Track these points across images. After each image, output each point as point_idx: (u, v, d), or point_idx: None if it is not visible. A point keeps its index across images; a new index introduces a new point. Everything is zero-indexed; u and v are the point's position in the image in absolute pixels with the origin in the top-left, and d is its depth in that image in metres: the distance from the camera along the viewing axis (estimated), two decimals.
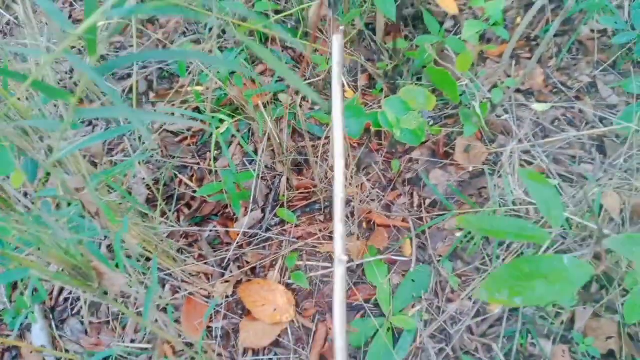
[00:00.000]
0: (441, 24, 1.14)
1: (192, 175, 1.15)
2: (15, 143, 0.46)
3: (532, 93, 1.14)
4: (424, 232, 1.00)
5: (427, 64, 1.07)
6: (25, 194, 1.04)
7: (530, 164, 1.03)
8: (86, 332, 0.97)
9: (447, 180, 1.06)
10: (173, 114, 1.04)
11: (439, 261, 0.96)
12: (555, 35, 1.22)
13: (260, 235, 1.03)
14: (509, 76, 1.14)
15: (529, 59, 1.20)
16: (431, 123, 1.12)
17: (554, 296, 0.40)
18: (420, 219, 1.02)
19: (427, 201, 1.04)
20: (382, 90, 1.15)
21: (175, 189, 1.12)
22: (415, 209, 1.04)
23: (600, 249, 0.48)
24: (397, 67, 1.16)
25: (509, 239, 0.53)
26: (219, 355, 0.89)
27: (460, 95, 1.05)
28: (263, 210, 1.06)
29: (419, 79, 1.16)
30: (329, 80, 0.77)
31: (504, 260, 0.93)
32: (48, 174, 0.91)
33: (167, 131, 1.22)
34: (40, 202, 0.42)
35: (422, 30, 1.23)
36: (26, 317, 0.99)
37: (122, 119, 1.18)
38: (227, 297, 0.97)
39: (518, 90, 1.14)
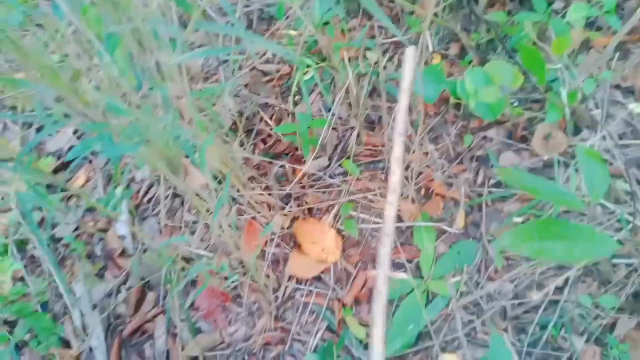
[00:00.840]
0: (550, 3, 1.09)
1: (272, 115, 1.23)
2: (131, 50, 0.54)
3: (632, 92, 1.07)
4: (480, 209, 1.01)
5: (523, 42, 1.03)
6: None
7: (609, 164, 0.99)
8: (160, 232, 1.11)
9: (518, 165, 1.04)
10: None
11: (489, 241, 0.97)
12: None
13: (323, 180, 1.09)
14: (609, 69, 1.08)
15: None
16: (515, 104, 1.10)
17: (571, 258, 0.42)
18: (481, 195, 1.02)
19: (492, 181, 1.04)
20: (471, 62, 1.14)
21: (255, 124, 1.21)
22: (478, 186, 1.04)
23: None
24: (492, 41, 1.13)
25: (545, 199, 0.54)
26: (267, 276, 0.99)
27: (552, 81, 1.02)
28: (330, 159, 1.12)
29: (512, 57, 1.12)
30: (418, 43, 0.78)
31: None
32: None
33: (258, 69, 1.30)
34: (148, 101, 0.51)
35: (527, 7, 1.18)
36: (114, 209, 1.15)
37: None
38: (282, 228, 1.06)
39: (617, 87, 1.07)
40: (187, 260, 1.06)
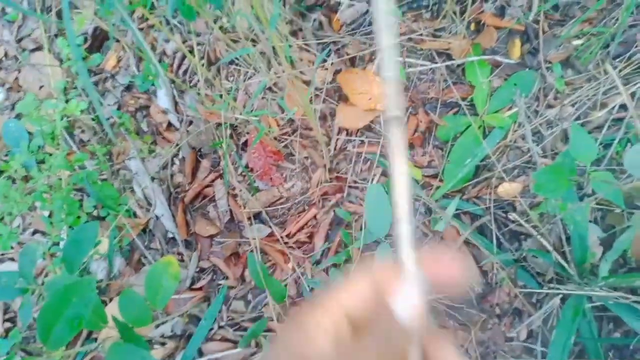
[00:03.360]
0: None
1: None
2: None
3: None
4: (537, 36, 0.94)
5: None
6: None
7: None
8: (202, 103, 1.09)
9: None
10: None
11: (547, 68, 0.92)
12: None
13: (363, 27, 1.03)
14: None
15: None
16: None
17: None
18: (537, 22, 0.95)
19: (547, 5, 0.96)
20: None
21: None
22: (533, 12, 0.96)
23: None
24: None
25: None
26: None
27: None
28: (368, 2, 1.04)
29: None
30: None
31: (620, 71, 0.87)
32: None
33: None
34: None
35: None
36: (152, 84, 1.13)
37: None
38: (325, 83, 1.02)
39: None
40: (234, 127, 1.06)
